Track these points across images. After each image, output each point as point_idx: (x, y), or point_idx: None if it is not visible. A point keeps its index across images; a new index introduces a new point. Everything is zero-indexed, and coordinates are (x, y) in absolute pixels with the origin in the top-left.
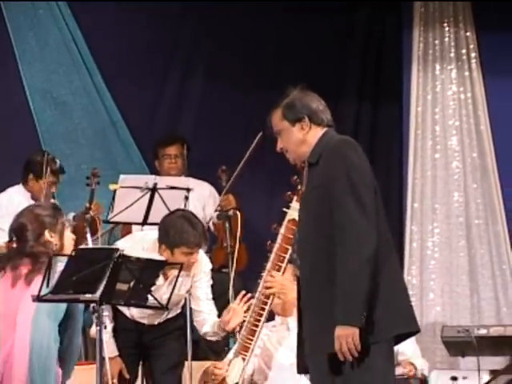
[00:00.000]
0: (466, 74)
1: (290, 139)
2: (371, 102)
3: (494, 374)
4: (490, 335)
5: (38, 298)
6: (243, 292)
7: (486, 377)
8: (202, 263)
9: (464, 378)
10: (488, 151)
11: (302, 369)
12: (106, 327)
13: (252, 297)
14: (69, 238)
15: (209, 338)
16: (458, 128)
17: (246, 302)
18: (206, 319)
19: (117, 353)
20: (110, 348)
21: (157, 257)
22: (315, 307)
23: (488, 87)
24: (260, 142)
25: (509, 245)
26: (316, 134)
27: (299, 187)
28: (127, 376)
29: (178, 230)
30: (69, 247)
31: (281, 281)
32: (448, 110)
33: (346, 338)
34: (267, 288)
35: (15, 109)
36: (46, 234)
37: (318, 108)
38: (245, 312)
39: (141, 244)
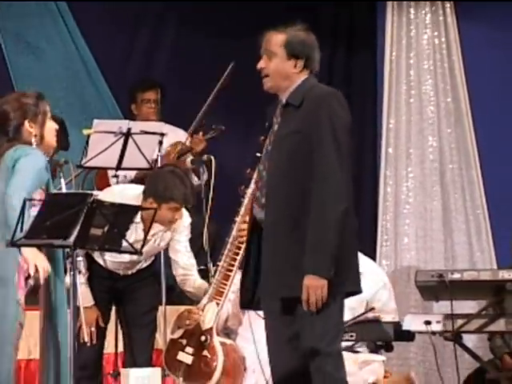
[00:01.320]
0: (441, 18)
1: (278, 68)
2: (345, 47)
3: (468, 317)
4: (464, 279)
5: (12, 243)
6: None
7: (460, 321)
8: (183, 218)
9: (437, 322)
10: (462, 96)
11: (245, 304)
12: (80, 272)
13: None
14: (50, 129)
15: (188, 296)
16: (433, 73)
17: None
18: (188, 277)
19: (93, 302)
20: (86, 297)
21: (131, 201)
22: (277, 250)
23: (462, 32)
24: (231, 73)
25: (483, 190)
26: (302, 76)
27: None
28: (102, 324)
29: (168, 185)
30: (49, 139)
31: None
32: (422, 55)
33: (315, 288)
34: (240, 236)
35: None
36: (26, 124)
37: (316, 57)
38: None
39: (120, 198)
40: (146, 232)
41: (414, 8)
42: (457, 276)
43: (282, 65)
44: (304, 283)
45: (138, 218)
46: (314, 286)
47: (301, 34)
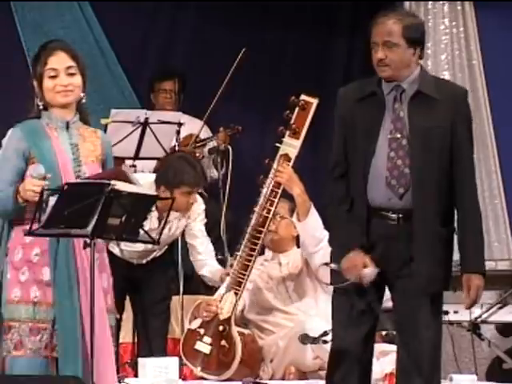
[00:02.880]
0: (459, 8)
1: (401, 57)
2: (364, 36)
3: (486, 307)
4: None
5: (30, 233)
6: None
7: (478, 311)
8: (197, 203)
9: (455, 312)
10: (480, 86)
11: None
12: None
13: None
14: (47, 88)
15: (205, 280)
16: (450, 63)
17: None
18: (205, 261)
19: None
20: None
21: (149, 191)
22: (430, 241)
23: (480, 21)
24: (243, 59)
25: (500, 180)
26: (417, 65)
27: (291, 122)
28: (118, 316)
29: (177, 170)
30: (50, 99)
31: (291, 173)
32: (440, 45)
33: (481, 289)
34: (276, 176)
35: (5, 43)
36: (34, 82)
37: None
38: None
39: (136, 188)
40: (164, 222)
41: None
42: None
43: (404, 53)
44: (476, 283)
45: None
46: (481, 287)
47: (416, 20)
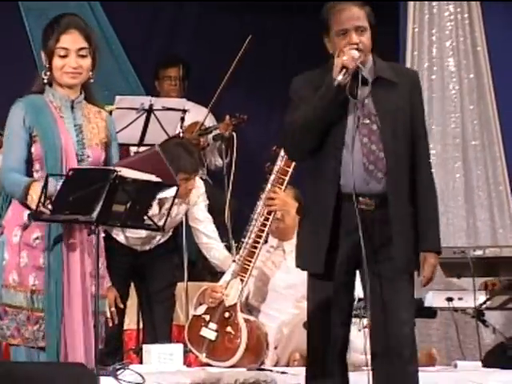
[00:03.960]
0: None
1: (369, 42)
2: None
3: (490, 294)
4: (486, 256)
5: (34, 218)
6: None
7: (482, 297)
8: (197, 186)
9: (459, 298)
10: (485, 72)
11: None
12: None
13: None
14: (56, 67)
15: (213, 265)
16: (455, 49)
17: None
18: (211, 245)
19: (110, 283)
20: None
21: (154, 178)
22: (406, 224)
23: (485, 7)
24: (248, 47)
25: (505, 166)
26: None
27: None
28: (121, 305)
29: (174, 157)
30: (57, 77)
31: (283, 198)
32: (445, 31)
33: (436, 268)
34: (269, 205)
35: (10, 29)
36: (42, 55)
37: None
38: None
39: (139, 175)
40: (169, 208)
41: None
42: (479, 253)
43: (369, 38)
44: (431, 262)
45: None
46: (436, 265)
47: (369, 6)
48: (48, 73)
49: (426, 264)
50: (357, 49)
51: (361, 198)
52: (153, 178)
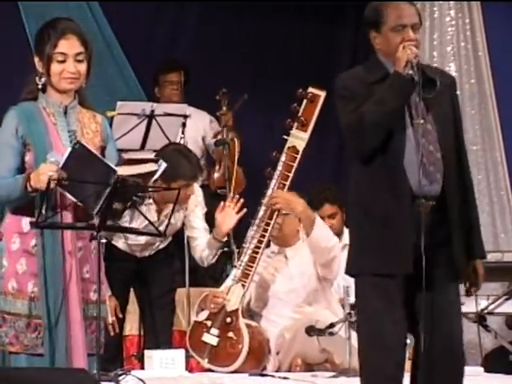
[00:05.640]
0: None
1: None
2: None
3: (492, 299)
4: (488, 261)
5: (36, 225)
6: (236, 196)
7: (484, 302)
8: (195, 194)
9: (461, 303)
10: (486, 77)
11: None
12: None
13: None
14: (54, 73)
15: (206, 263)
16: (456, 54)
17: (236, 203)
18: (201, 244)
19: (110, 292)
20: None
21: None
22: (461, 228)
23: (486, 13)
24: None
25: (506, 171)
26: None
27: (299, 114)
28: (120, 315)
29: (173, 163)
30: (55, 82)
31: (284, 196)
32: (446, 36)
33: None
34: (273, 204)
35: (11, 34)
36: (35, 59)
37: None
38: (236, 213)
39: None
40: (170, 215)
41: None
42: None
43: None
44: (481, 269)
45: (150, 199)
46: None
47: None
48: (43, 78)
49: (478, 271)
50: (415, 45)
51: (418, 200)
52: (144, 168)
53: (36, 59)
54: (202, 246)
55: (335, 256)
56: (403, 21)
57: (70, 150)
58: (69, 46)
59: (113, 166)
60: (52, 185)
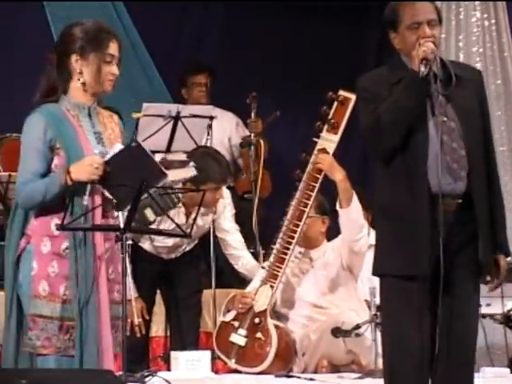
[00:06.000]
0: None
1: (439, 36)
2: None
3: None
4: None
5: (62, 227)
6: None
7: (510, 303)
8: (224, 197)
9: (488, 304)
10: (511, 78)
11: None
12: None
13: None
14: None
15: (241, 274)
16: (482, 55)
17: None
18: (238, 255)
19: (137, 294)
20: (131, 289)
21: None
22: (488, 225)
23: None
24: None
25: None
26: None
27: (330, 117)
28: (147, 317)
29: (202, 166)
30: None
31: (330, 159)
32: (472, 38)
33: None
34: (317, 163)
35: (36, 36)
36: (73, 57)
37: None
38: None
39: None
40: (195, 216)
41: None
42: (508, 259)
43: (440, 34)
44: (504, 266)
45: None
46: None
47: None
48: (81, 78)
49: (500, 264)
50: (432, 42)
51: (443, 199)
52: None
53: (73, 58)
54: (239, 257)
55: (364, 235)
56: (418, 18)
57: (120, 146)
58: (115, 48)
59: (164, 170)
60: (95, 177)
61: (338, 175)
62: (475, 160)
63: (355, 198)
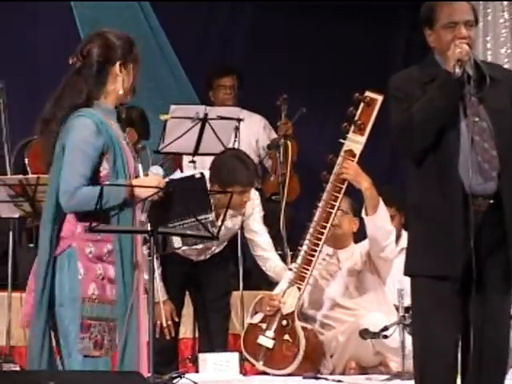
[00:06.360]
0: None
1: (474, 37)
2: (421, 29)
3: None
4: None
5: (90, 229)
6: None
7: None
8: (252, 198)
9: None
10: None
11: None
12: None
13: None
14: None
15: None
16: (510, 56)
17: None
18: (266, 256)
19: (166, 296)
20: (161, 292)
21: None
22: None
23: None
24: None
25: None
26: None
27: (356, 118)
28: (176, 319)
29: (230, 169)
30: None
31: (355, 167)
32: (500, 39)
33: None
34: (342, 173)
35: (63, 38)
36: (117, 66)
37: None
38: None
39: None
40: (223, 218)
41: None
42: None
43: (474, 35)
44: None
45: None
46: None
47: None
48: (121, 86)
49: None
50: (467, 43)
51: (474, 200)
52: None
53: (117, 65)
54: (267, 260)
55: (392, 242)
56: (454, 18)
57: (189, 173)
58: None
59: (212, 208)
60: (155, 197)
61: (364, 183)
62: (507, 160)
63: (382, 204)
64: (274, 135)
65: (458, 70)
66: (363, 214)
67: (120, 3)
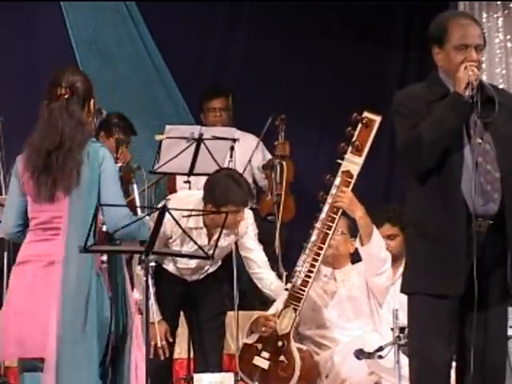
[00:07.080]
0: None
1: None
2: (417, 48)
3: None
4: None
5: (85, 249)
6: None
7: None
8: (246, 217)
9: (510, 327)
10: None
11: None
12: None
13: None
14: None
15: (265, 294)
16: (505, 76)
17: None
18: (262, 274)
19: (161, 317)
20: (155, 312)
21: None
22: None
23: None
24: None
25: None
26: None
27: (354, 139)
28: (171, 339)
29: (223, 189)
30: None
31: (350, 196)
32: (495, 59)
33: None
34: (336, 201)
35: (61, 60)
36: (92, 103)
37: None
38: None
39: (185, 203)
40: (217, 238)
41: (485, 11)
42: None
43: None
44: None
45: (200, 223)
46: None
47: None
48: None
49: None
50: (476, 67)
51: (473, 220)
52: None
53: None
54: (263, 278)
55: (388, 268)
56: (467, 41)
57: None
58: None
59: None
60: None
61: (358, 212)
62: (509, 183)
63: (376, 232)
64: (268, 155)
65: (468, 93)
66: (357, 244)
67: (116, 26)
